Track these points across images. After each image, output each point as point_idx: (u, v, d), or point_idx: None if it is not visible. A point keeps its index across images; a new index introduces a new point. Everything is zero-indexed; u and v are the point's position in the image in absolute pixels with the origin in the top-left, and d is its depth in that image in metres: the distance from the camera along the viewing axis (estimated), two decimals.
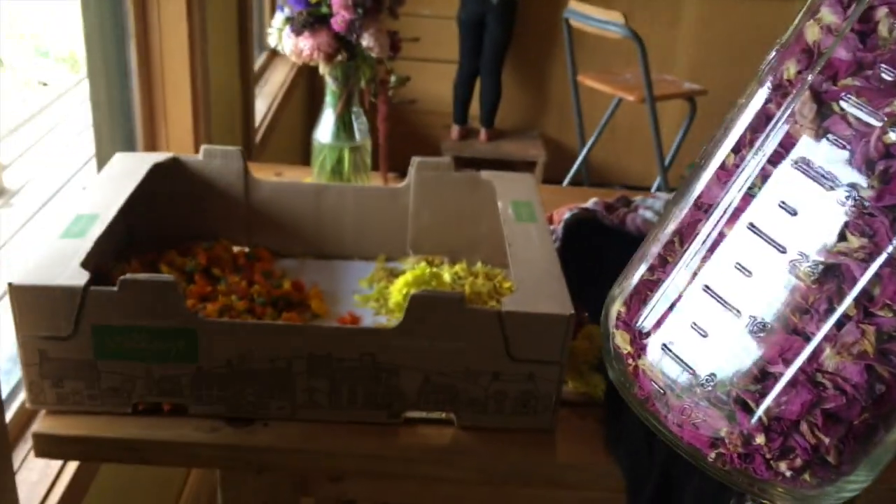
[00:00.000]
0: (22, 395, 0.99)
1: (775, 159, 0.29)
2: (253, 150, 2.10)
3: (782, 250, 0.28)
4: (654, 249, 0.33)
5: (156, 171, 1.08)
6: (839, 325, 0.28)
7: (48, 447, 0.85)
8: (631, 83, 3.15)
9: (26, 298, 0.81)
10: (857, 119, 0.27)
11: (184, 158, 1.12)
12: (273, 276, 1.10)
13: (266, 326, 0.86)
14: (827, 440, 0.29)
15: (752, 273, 0.29)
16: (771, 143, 0.29)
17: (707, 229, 0.31)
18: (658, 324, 0.32)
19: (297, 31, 1.18)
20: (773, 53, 0.31)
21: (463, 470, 0.86)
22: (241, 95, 2.04)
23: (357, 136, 1.27)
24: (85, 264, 0.84)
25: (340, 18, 1.15)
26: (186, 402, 0.86)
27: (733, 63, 3.78)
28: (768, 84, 0.31)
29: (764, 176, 0.29)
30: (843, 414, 0.29)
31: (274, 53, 2.78)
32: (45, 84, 1.94)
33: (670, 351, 0.31)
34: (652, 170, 3.77)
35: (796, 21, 0.31)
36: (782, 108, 0.29)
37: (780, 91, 0.30)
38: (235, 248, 1.15)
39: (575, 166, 3.43)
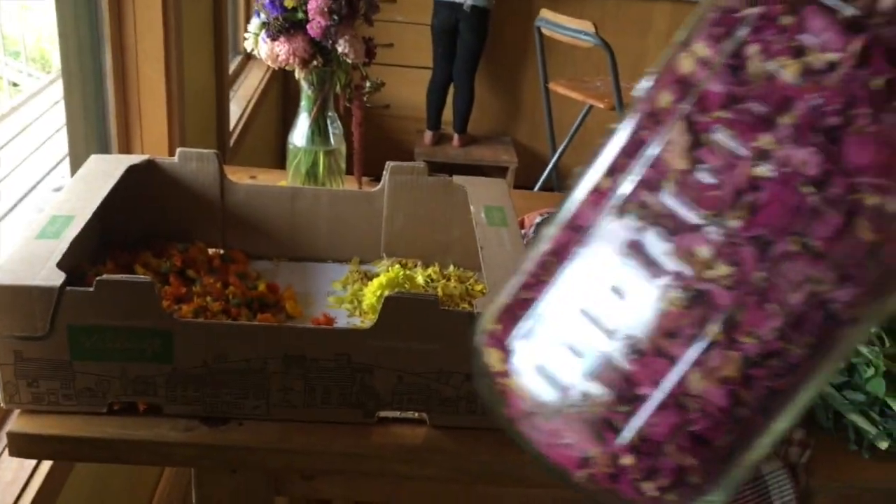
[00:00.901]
0: None
1: (648, 186, 0.30)
2: (227, 152, 2.11)
3: (654, 275, 0.29)
4: (529, 268, 0.34)
5: (131, 173, 1.08)
6: (706, 350, 0.29)
7: (23, 446, 0.86)
8: (601, 91, 3.19)
9: (2, 298, 0.81)
10: (728, 151, 0.28)
11: (159, 161, 1.13)
12: (248, 277, 1.11)
13: (241, 327, 0.87)
14: (693, 461, 0.30)
15: (625, 296, 0.30)
16: (644, 169, 0.30)
17: (581, 251, 0.31)
18: (531, 343, 0.32)
19: (273, 37, 1.19)
20: (646, 81, 0.32)
21: (435, 468, 0.88)
22: (215, 98, 2.05)
23: (332, 140, 1.29)
24: (61, 265, 0.85)
25: (316, 24, 1.16)
26: (161, 401, 0.87)
27: None
28: (642, 111, 0.31)
29: (637, 201, 0.30)
30: (709, 436, 0.29)
31: (248, 57, 2.79)
32: (16, 84, 1.93)
33: (543, 371, 0.32)
34: None
35: (669, 52, 0.32)
36: (656, 136, 0.30)
37: (654, 119, 0.31)
38: (210, 250, 1.15)
39: (546, 172, 3.46)
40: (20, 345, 0.83)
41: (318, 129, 1.28)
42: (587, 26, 2.97)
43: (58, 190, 1.61)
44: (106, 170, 1.07)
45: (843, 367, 0.94)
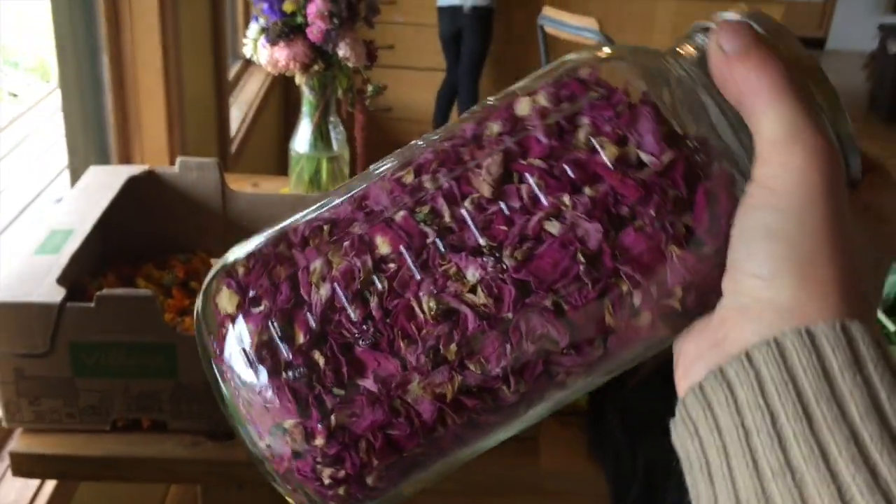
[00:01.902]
0: None
1: (448, 198, 0.31)
2: (228, 160, 2.09)
3: (420, 279, 0.30)
4: (300, 225, 0.33)
5: (131, 185, 1.07)
6: (436, 364, 0.30)
7: (26, 466, 0.84)
8: None
9: (2, 316, 0.79)
10: (530, 197, 0.30)
11: (159, 171, 1.12)
12: None
13: None
14: (377, 463, 0.31)
15: (384, 289, 0.30)
16: (450, 182, 0.31)
17: (358, 232, 0.31)
18: (273, 298, 0.31)
19: (273, 42, 1.17)
20: (480, 107, 0.33)
21: (445, 480, 0.86)
22: (215, 105, 2.03)
23: (335, 145, 1.27)
24: (61, 280, 0.83)
25: (316, 28, 1.15)
26: (166, 417, 0.85)
27: None
28: (467, 131, 0.32)
29: (432, 207, 0.31)
30: (402, 444, 0.31)
31: (248, 62, 2.77)
32: (15, 95, 1.92)
33: (275, 327, 0.31)
34: None
35: (514, 89, 0.33)
36: (473, 157, 0.31)
37: (477, 142, 0.32)
38: (212, 261, 1.14)
39: None
40: (21, 362, 0.81)
41: (321, 135, 1.26)
42: (591, 23, 2.95)
43: (59, 201, 1.60)
44: (105, 181, 1.06)
45: None
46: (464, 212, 0.30)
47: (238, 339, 0.31)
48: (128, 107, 1.48)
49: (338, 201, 0.33)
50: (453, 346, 0.29)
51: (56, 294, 0.80)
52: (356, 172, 1.36)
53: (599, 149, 0.30)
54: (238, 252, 0.33)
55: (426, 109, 3.86)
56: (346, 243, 0.31)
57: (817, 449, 0.24)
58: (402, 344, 0.30)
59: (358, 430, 0.30)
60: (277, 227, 0.33)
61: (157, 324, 0.81)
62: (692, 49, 0.32)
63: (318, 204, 0.34)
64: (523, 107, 0.32)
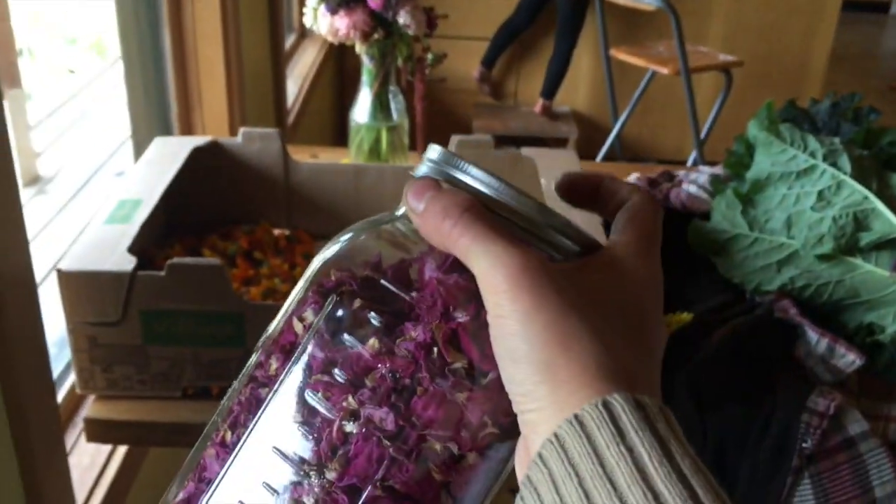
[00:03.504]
0: (69, 380, 1.00)
1: (262, 444, 0.33)
2: (285, 131, 2.10)
3: None
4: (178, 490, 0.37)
5: (196, 155, 1.07)
6: None
7: (100, 432, 0.86)
8: (665, 56, 3.10)
9: (75, 285, 0.81)
10: (323, 411, 0.32)
11: (223, 142, 1.12)
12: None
13: None
14: None
15: None
16: (257, 429, 0.33)
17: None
18: None
19: (333, 10, 1.17)
20: (260, 347, 0.36)
21: None
22: (272, 77, 2.04)
23: (394, 115, 1.26)
24: (131, 249, 0.84)
25: None
26: None
27: (767, 33, 3.71)
28: (256, 376, 0.35)
29: (249, 457, 0.33)
30: None
31: (303, 35, 2.77)
32: (73, 72, 1.95)
33: None
34: (685, 144, 3.72)
35: (283, 315, 0.35)
36: (268, 398, 0.34)
37: (268, 385, 0.34)
38: (276, 231, 1.14)
39: (608, 142, 3.39)
40: (94, 331, 0.83)
41: (381, 105, 1.25)
42: None
43: (121, 174, 1.63)
44: (171, 152, 1.07)
45: None
46: (276, 447, 0.33)
47: None
48: (189, 79, 1.50)
49: (189, 478, 0.36)
50: None
51: (127, 263, 0.81)
52: (416, 142, 1.36)
53: (361, 343, 0.32)
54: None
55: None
56: None
57: None
58: None
59: None
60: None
61: (225, 292, 0.82)
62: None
63: (177, 483, 0.37)
64: (296, 327, 0.34)
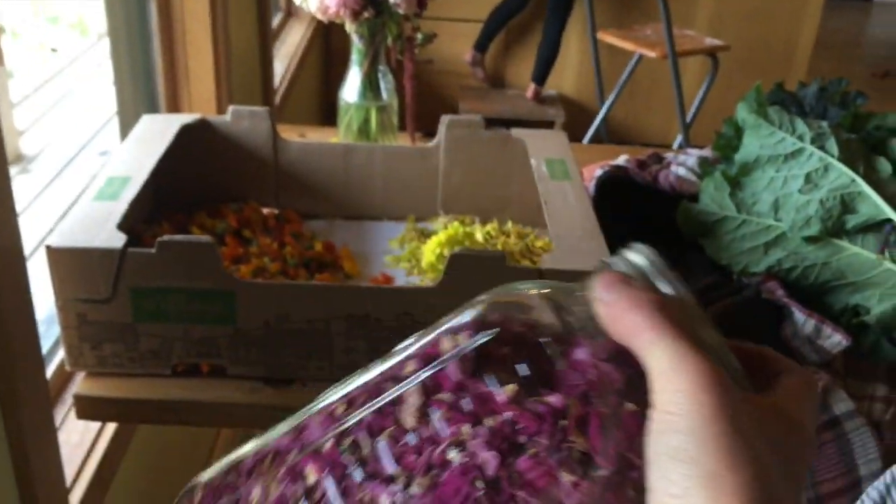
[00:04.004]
0: (59, 357, 1.00)
1: (370, 430, 0.34)
2: (273, 110, 2.08)
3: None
4: (249, 457, 0.37)
5: (184, 133, 1.07)
6: None
7: (89, 409, 0.86)
8: (652, 39, 3.10)
9: (64, 261, 0.80)
10: (437, 428, 0.33)
11: (211, 119, 1.11)
12: (303, 237, 1.10)
13: (305, 287, 0.86)
14: None
15: None
16: (373, 418, 0.34)
17: (291, 462, 0.35)
18: None
19: None
20: (409, 348, 0.37)
21: None
22: (259, 56, 2.02)
23: (384, 94, 1.26)
24: (120, 226, 0.84)
25: None
26: (225, 363, 0.86)
27: (753, 18, 3.72)
28: (389, 369, 0.36)
29: (355, 439, 0.34)
30: None
31: (290, 13, 2.75)
32: (55, 50, 1.93)
33: None
34: (671, 128, 3.73)
35: (433, 330, 0.36)
36: (391, 392, 0.34)
37: (395, 381, 0.35)
38: (265, 210, 1.14)
39: (594, 125, 3.39)
40: (84, 308, 0.83)
41: (370, 84, 1.25)
42: None
43: (104, 154, 1.61)
44: (159, 129, 1.06)
45: None
46: (380, 444, 0.33)
47: None
48: (176, 56, 1.48)
49: (284, 431, 0.37)
50: None
51: (117, 240, 0.81)
52: (405, 121, 1.35)
53: (498, 384, 0.33)
54: (203, 476, 0.38)
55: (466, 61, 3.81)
56: (281, 473, 0.35)
57: None
58: None
59: None
60: (232, 458, 0.38)
61: (216, 270, 0.82)
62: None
63: (268, 436, 0.38)
64: (444, 344, 0.35)
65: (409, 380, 0.35)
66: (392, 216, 1.17)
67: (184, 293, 0.82)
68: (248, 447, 0.38)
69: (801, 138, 0.93)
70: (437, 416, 0.33)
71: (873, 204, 0.88)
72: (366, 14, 1.16)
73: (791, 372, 0.35)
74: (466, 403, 0.33)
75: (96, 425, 0.98)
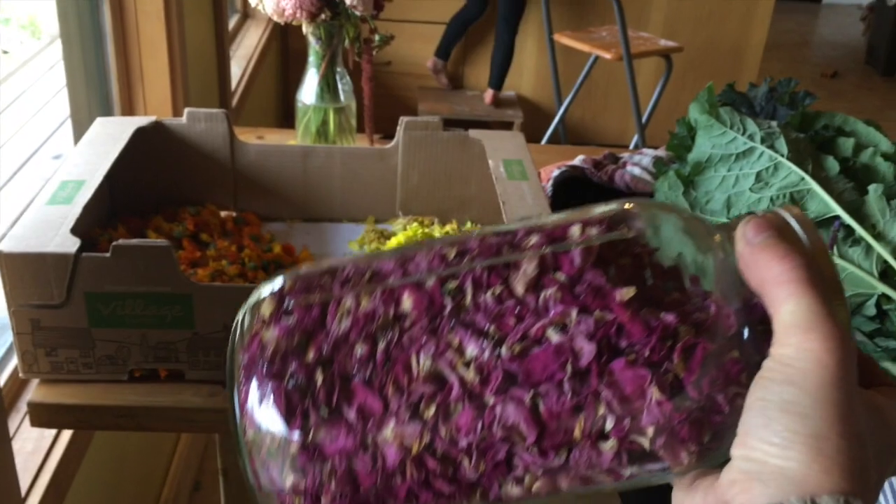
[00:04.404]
0: (11, 364, 0.98)
1: (476, 281, 0.34)
2: (230, 112, 2.07)
3: (424, 339, 0.33)
4: (349, 266, 0.37)
5: (139, 136, 1.06)
6: (412, 416, 0.33)
7: (44, 416, 0.84)
8: (607, 41, 3.14)
9: (17, 266, 0.79)
10: (545, 304, 0.33)
11: (167, 122, 1.10)
12: (262, 240, 1.09)
13: None
14: (333, 487, 0.34)
15: (394, 338, 0.34)
16: (483, 272, 0.34)
17: (391, 286, 0.35)
18: (303, 316, 0.35)
19: None
20: (534, 219, 0.37)
21: None
22: (216, 58, 2.01)
23: (342, 96, 1.26)
24: (74, 230, 0.83)
25: None
26: (183, 367, 0.86)
27: (706, 20, 3.78)
28: (508, 234, 0.36)
29: (460, 285, 0.34)
30: (360, 477, 0.33)
31: (246, 15, 2.73)
32: (6, 52, 1.89)
33: (294, 339, 0.35)
34: (627, 128, 3.78)
35: (563, 217, 0.36)
36: (506, 254, 0.34)
37: (517, 249, 0.35)
38: (223, 213, 1.13)
39: (552, 126, 3.42)
40: (37, 313, 0.81)
41: (328, 86, 1.24)
42: None
43: (58, 157, 1.58)
44: (113, 133, 1.05)
45: (874, 315, 0.93)
46: (484, 298, 0.33)
47: (262, 343, 0.35)
48: (130, 58, 1.47)
49: (388, 258, 0.37)
50: (433, 408, 0.33)
51: (71, 244, 0.80)
52: (363, 124, 1.35)
53: (618, 286, 0.33)
54: (292, 273, 0.38)
55: (425, 63, 3.82)
56: (378, 291, 0.35)
57: None
58: (390, 389, 0.33)
59: (328, 450, 0.33)
60: (332, 263, 0.38)
61: (173, 274, 0.81)
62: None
63: (371, 255, 0.38)
64: (573, 231, 0.35)
65: (530, 251, 0.34)
66: (351, 218, 1.17)
67: (140, 298, 0.81)
68: (347, 260, 0.38)
69: (751, 138, 0.95)
70: (548, 293, 0.33)
71: (822, 201, 0.90)
72: (322, 16, 1.16)
73: (889, 385, 0.35)
74: (581, 291, 0.33)
75: (52, 432, 0.96)
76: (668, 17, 3.75)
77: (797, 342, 0.30)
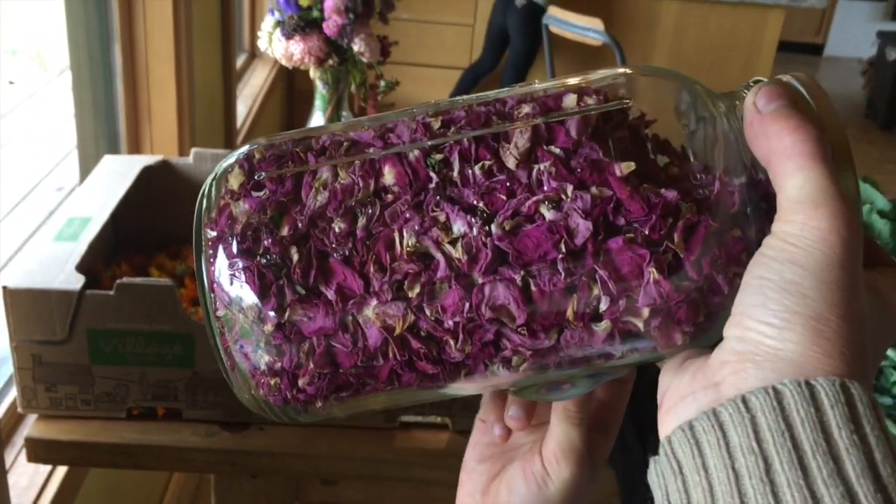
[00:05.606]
0: (9, 398, 0.98)
1: (463, 155, 0.32)
2: None
3: (408, 215, 0.31)
4: (324, 136, 0.34)
5: (146, 174, 1.07)
6: (396, 295, 0.31)
7: (41, 452, 0.85)
8: None
9: (21, 301, 0.80)
10: (538, 179, 0.31)
11: (173, 161, 1.12)
12: None
13: None
14: (311, 367, 0.32)
15: (374, 213, 0.32)
16: (470, 143, 0.32)
17: (371, 157, 0.33)
18: (275, 188, 0.33)
19: (288, 35, 1.18)
20: (523, 87, 0.34)
21: (458, 473, 0.87)
22: (223, 97, 2.03)
23: None
24: (79, 267, 0.84)
25: (332, 23, 1.15)
26: (181, 406, 0.86)
27: (707, 69, 3.84)
28: (506, 103, 0.33)
29: (445, 158, 0.32)
30: (340, 358, 0.32)
31: (253, 55, 2.77)
32: (12, 83, 1.91)
33: (266, 213, 0.33)
34: None
35: (564, 81, 0.34)
36: (500, 124, 0.32)
37: (508, 119, 0.32)
38: None
39: None
40: (39, 349, 0.82)
41: None
42: (596, 23, 2.96)
43: (61, 189, 1.60)
44: (120, 170, 1.06)
45: None
46: (472, 172, 0.31)
47: (231, 217, 0.34)
48: (139, 96, 1.49)
49: (366, 126, 0.34)
50: (417, 287, 0.31)
51: (75, 281, 0.81)
52: None
53: (613, 157, 0.31)
54: (261, 141, 0.35)
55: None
56: (357, 163, 0.33)
57: (811, 500, 0.24)
58: (372, 268, 0.31)
59: (305, 330, 0.32)
60: (303, 131, 0.36)
61: (175, 313, 0.82)
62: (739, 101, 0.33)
63: (348, 124, 0.36)
64: (569, 100, 0.33)
65: (522, 121, 0.32)
66: None
67: (142, 335, 0.82)
68: (320, 129, 0.35)
69: None
70: (541, 167, 0.31)
71: None
72: (330, 62, 1.19)
73: (889, 265, 0.33)
74: (577, 164, 0.31)
75: (47, 468, 0.96)
76: (669, 65, 3.78)
77: (803, 219, 0.28)
